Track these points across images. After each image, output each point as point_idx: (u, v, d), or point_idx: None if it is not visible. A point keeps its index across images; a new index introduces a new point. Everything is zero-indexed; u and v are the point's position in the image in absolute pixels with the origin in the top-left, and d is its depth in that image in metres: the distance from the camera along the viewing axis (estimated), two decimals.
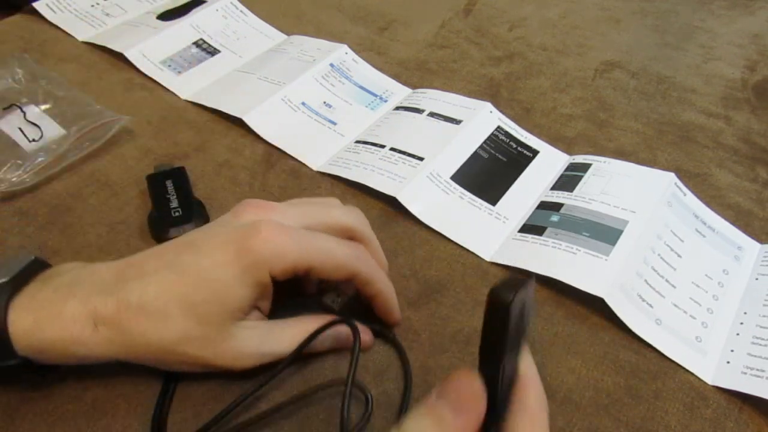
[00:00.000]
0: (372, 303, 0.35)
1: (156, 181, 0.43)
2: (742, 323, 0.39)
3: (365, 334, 0.35)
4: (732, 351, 0.37)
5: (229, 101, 0.51)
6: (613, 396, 0.35)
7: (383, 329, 0.36)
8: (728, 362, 0.37)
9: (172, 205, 0.42)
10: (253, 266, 0.31)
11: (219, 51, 0.58)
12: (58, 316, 0.30)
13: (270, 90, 0.52)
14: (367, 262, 0.34)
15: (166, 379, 0.34)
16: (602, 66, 0.60)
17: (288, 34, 0.61)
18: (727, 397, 0.35)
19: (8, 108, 0.47)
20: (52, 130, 0.46)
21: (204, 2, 0.62)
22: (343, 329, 0.34)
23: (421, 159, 0.46)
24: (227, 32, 0.60)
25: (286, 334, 0.33)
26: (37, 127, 0.46)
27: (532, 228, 0.43)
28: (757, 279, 0.41)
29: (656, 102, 0.56)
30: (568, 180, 0.46)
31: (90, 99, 0.50)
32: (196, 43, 0.58)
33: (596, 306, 0.38)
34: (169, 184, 0.43)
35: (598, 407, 0.34)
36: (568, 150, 0.50)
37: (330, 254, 0.32)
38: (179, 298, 0.30)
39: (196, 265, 0.31)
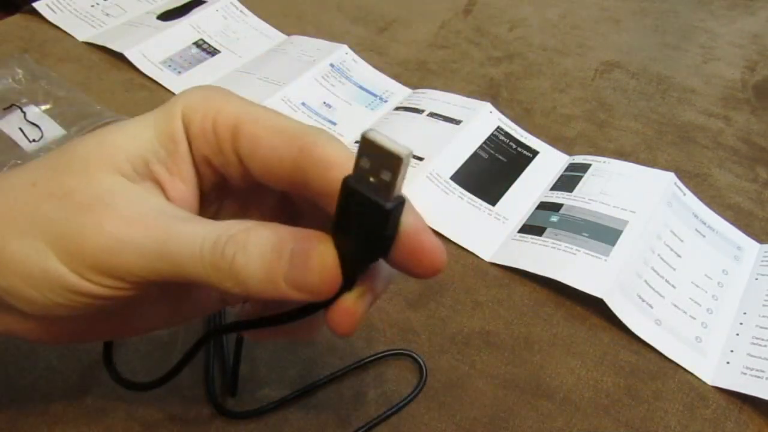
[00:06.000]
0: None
1: None
2: (741, 323, 0.39)
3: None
4: (732, 351, 0.37)
5: None
6: (612, 396, 0.35)
7: None
8: (728, 362, 0.37)
9: None
10: (164, 111, 0.22)
11: (219, 51, 0.58)
12: None
13: (270, 90, 0.52)
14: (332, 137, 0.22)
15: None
16: (602, 66, 0.60)
17: (288, 34, 0.61)
18: (726, 398, 0.35)
19: (8, 108, 0.47)
20: (53, 130, 0.46)
21: (204, 2, 0.62)
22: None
23: (420, 159, 0.46)
24: (227, 32, 0.60)
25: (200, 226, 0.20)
26: (37, 127, 0.46)
27: (531, 228, 0.43)
28: (756, 279, 0.41)
29: (656, 102, 0.56)
30: (568, 180, 0.46)
31: (90, 99, 0.50)
32: (196, 44, 0.58)
33: (596, 306, 0.38)
34: None
35: (597, 408, 0.34)
36: (568, 150, 0.50)
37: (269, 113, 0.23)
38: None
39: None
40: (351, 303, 0.20)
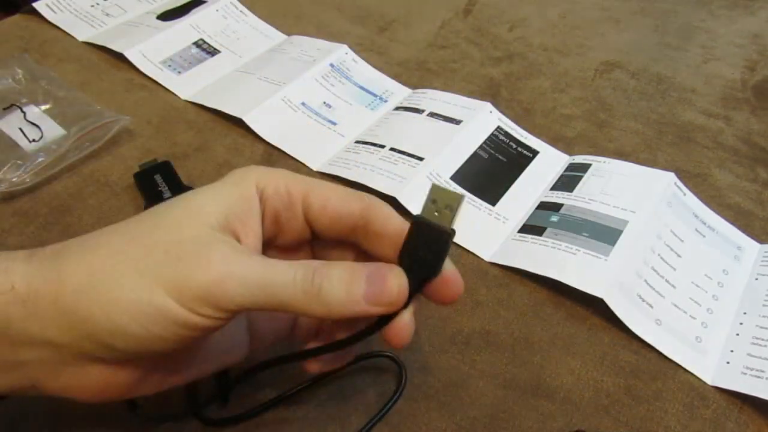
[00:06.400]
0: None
1: (145, 177, 0.44)
2: (741, 323, 0.39)
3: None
4: (732, 351, 0.37)
5: (229, 101, 0.51)
6: (612, 396, 0.35)
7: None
8: (728, 362, 0.37)
9: (165, 195, 0.42)
10: (238, 180, 0.27)
11: (219, 51, 0.58)
12: None
13: (270, 90, 0.52)
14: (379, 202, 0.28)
15: None
16: (602, 66, 0.60)
17: (288, 34, 0.61)
18: (726, 398, 0.35)
19: (8, 108, 0.47)
20: (52, 130, 0.46)
21: (204, 2, 0.62)
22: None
23: (421, 159, 0.46)
24: (227, 32, 0.60)
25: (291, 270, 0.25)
26: (37, 127, 0.46)
27: (531, 228, 0.43)
28: (756, 279, 0.41)
29: (656, 102, 0.56)
30: (568, 180, 0.46)
31: (90, 99, 0.50)
32: (196, 43, 0.58)
33: (596, 306, 0.38)
34: (158, 177, 0.43)
35: (597, 408, 0.34)
36: (568, 150, 0.50)
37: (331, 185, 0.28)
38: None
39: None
40: (409, 318, 0.26)
